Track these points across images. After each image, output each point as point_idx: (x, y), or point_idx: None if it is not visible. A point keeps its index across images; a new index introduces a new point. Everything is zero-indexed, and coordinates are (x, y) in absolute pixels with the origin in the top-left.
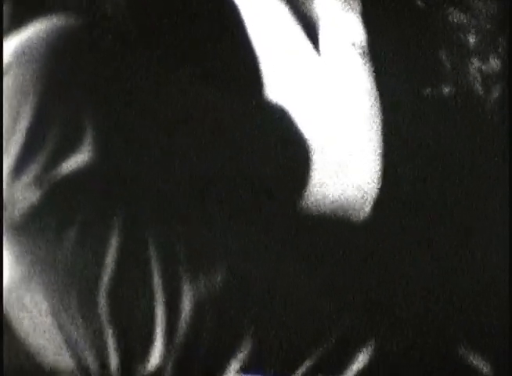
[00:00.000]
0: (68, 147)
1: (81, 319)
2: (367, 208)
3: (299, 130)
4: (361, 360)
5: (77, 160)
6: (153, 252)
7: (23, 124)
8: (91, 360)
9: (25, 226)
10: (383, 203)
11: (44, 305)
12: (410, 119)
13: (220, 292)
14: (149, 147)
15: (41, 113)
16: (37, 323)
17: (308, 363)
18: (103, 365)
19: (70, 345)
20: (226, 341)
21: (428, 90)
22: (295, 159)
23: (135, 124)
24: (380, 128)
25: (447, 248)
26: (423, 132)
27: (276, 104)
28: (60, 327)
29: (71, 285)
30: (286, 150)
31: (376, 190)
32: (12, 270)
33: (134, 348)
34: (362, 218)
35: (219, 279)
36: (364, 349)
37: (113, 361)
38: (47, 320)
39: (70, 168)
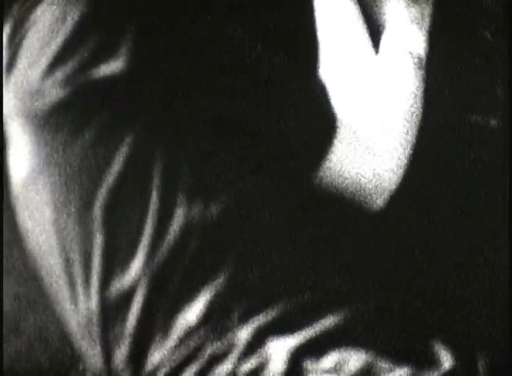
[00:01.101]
0: (104, 53)
1: (76, 222)
2: (382, 198)
3: (332, 105)
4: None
5: (109, 67)
6: (155, 174)
7: (67, 25)
8: (76, 262)
9: (46, 120)
10: (398, 197)
11: (46, 203)
12: (444, 132)
13: (210, 226)
14: (181, 80)
15: (84, 18)
16: (38, 219)
17: (281, 304)
18: (86, 266)
19: (61, 244)
20: (203, 270)
21: (471, 116)
22: (321, 128)
23: (173, 53)
24: (414, 130)
25: (456, 252)
26: (451, 150)
27: (321, 81)
28: (57, 226)
29: (74, 188)
30: (314, 118)
31: (395, 183)
32: (27, 161)
33: (116, 257)
34: (375, 206)
35: (212, 214)
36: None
37: (95, 268)
38: (46, 218)
39: (102, 73)
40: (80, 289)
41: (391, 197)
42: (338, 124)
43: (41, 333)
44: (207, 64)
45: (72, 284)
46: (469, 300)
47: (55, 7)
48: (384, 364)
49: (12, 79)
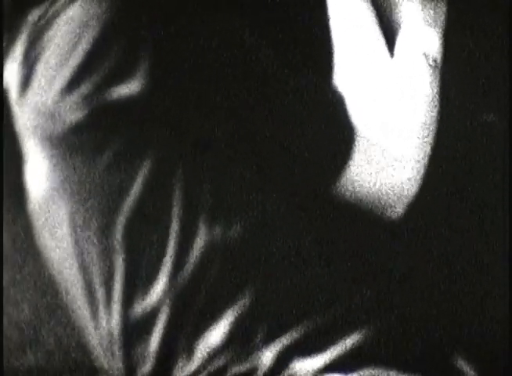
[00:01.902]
0: (122, 74)
1: (96, 243)
2: (401, 207)
3: (349, 115)
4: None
5: (127, 88)
6: (176, 195)
7: (83, 45)
8: (97, 282)
9: (63, 141)
10: (416, 208)
11: (65, 222)
12: (459, 137)
13: (232, 247)
14: (197, 98)
15: (100, 39)
16: (57, 237)
17: (304, 325)
18: (107, 286)
19: (81, 263)
20: (226, 291)
21: (480, 116)
22: (339, 139)
23: (192, 73)
24: (431, 135)
25: (476, 261)
26: (468, 152)
27: (337, 89)
28: (76, 245)
29: (93, 209)
30: (332, 130)
31: (414, 191)
32: (45, 179)
33: (139, 278)
34: (394, 216)
35: (234, 235)
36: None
37: (117, 288)
38: (65, 237)
39: (118, 95)
40: (101, 308)
41: (410, 205)
42: (356, 134)
43: (61, 343)
44: (222, 79)
45: (92, 303)
46: (489, 311)
47: (71, 26)
48: None
49: (28, 98)
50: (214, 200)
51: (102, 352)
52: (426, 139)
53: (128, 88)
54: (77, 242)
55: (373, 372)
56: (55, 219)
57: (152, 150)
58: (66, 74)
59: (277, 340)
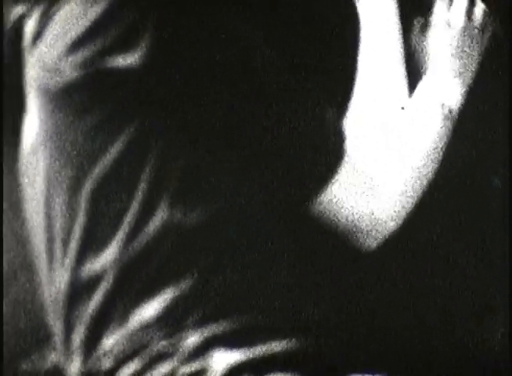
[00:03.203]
0: (124, 45)
1: (64, 201)
2: (373, 240)
3: (342, 137)
4: None
5: (126, 58)
6: (146, 170)
7: (93, 13)
8: (58, 238)
9: (58, 97)
10: (397, 241)
11: (41, 175)
12: (460, 189)
13: (186, 232)
14: (192, 84)
15: (110, 8)
16: (34, 188)
17: (235, 319)
18: (65, 244)
19: (48, 218)
20: (173, 271)
21: (481, 176)
22: (328, 150)
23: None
24: (424, 181)
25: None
26: (463, 208)
27: (341, 108)
28: (47, 200)
29: (67, 168)
30: (324, 140)
31: (392, 228)
32: (35, 131)
33: (93, 241)
34: (366, 247)
35: (192, 221)
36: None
37: (73, 247)
38: (39, 189)
39: (118, 63)
40: (57, 264)
41: (386, 240)
42: (344, 156)
43: (25, 298)
44: (221, 66)
45: (51, 258)
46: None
47: None
48: None
49: (36, 52)
50: (181, 184)
51: (51, 310)
52: (418, 183)
53: (128, 59)
54: (48, 197)
55: None
56: (35, 171)
57: (136, 121)
58: (73, 35)
59: (206, 327)
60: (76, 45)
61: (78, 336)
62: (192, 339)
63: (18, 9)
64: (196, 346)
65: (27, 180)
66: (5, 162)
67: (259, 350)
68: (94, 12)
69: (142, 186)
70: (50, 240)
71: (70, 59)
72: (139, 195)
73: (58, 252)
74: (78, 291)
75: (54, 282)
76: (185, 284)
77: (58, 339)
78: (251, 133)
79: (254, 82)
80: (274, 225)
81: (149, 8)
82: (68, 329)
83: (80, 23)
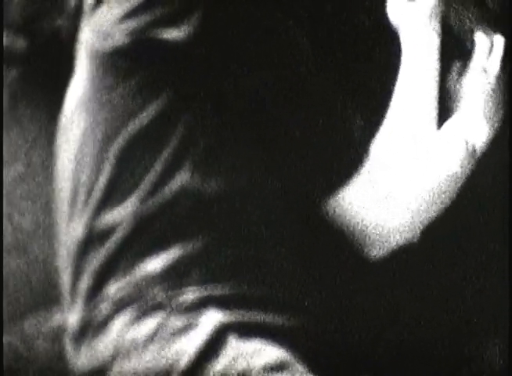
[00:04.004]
0: (173, 20)
1: (93, 156)
2: (378, 252)
3: (367, 149)
4: None
5: (174, 32)
6: (173, 138)
7: None
8: (81, 190)
9: (105, 60)
10: (403, 254)
11: (79, 130)
12: (473, 221)
13: (203, 199)
14: (236, 57)
15: None
16: (71, 144)
17: (233, 283)
18: (88, 195)
19: (76, 171)
20: (181, 232)
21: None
22: (344, 157)
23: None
24: (441, 203)
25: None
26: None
27: (370, 126)
28: (79, 154)
29: (100, 128)
30: (342, 145)
31: (402, 241)
32: (79, 90)
33: (114, 195)
34: (375, 259)
35: (210, 190)
36: None
37: (94, 197)
38: (75, 144)
39: (165, 36)
40: (77, 215)
41: (393, 251)
42: (363, 165)
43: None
44: (259, 60)
45: (73, 208)
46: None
47: None
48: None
49: (93, 16)
50: (205, 153)
51: (63, 261)
52: (435, 204)
53: (174, 33)
54: (80, 150)
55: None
56: (73, 127)
57: (171, 91)
58: (129, 4)
59: (205, 286)
60: (130, 14)
61: (83, 284)
62: (189, 296)
63: None
64: (191, 303)
65: (64, 137)
66: (48, 120)
67: (249, 316)
68: None
69: (167, 151)
70: (75, 191)
71: (122, 26)
72: (163, 158)
73: (80, 202)
74: (91, 240)
75: (71, 232)
76: (191, 246)
77: (64, 289)
78: (278, 123)
79: (291, 77)
80: (285, 211)
81: None
82: (75, 278)
83: None
